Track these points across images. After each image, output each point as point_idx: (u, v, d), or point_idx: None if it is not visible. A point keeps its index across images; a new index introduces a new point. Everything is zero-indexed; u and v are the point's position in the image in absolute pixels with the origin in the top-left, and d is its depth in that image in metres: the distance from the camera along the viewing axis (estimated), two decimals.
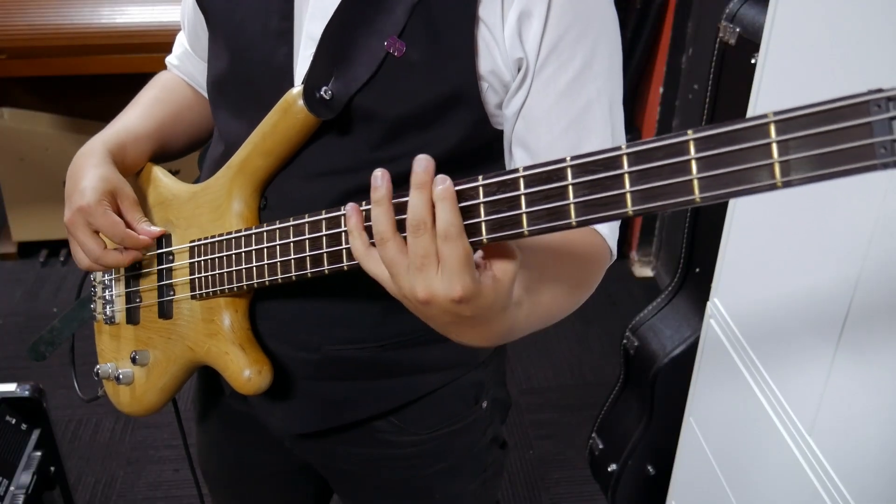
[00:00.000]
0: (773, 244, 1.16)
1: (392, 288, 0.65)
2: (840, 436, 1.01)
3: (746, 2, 1.54)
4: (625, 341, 1.89)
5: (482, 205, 0.61)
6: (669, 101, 2.85)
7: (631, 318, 1.90)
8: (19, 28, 2.61)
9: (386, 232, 0.62)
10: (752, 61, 1.39)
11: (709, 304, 1.35)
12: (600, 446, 1.98)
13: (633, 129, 3.04)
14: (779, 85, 1.13)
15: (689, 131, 0.51)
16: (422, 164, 0.61)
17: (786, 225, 1.11)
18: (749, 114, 1.21)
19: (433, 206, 0.60)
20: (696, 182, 0.51)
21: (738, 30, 1.52)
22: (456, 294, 0.60)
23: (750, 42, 1.47)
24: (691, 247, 1.82)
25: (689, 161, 0.51)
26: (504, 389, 1.06)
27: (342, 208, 0.70)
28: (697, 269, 1.80)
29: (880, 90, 0.44)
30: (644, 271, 3.10)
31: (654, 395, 1.78)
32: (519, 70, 0.78)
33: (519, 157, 0.82)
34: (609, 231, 0.82)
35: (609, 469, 1.92)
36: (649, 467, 1.86)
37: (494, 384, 1.02)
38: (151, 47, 2.61)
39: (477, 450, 1.02)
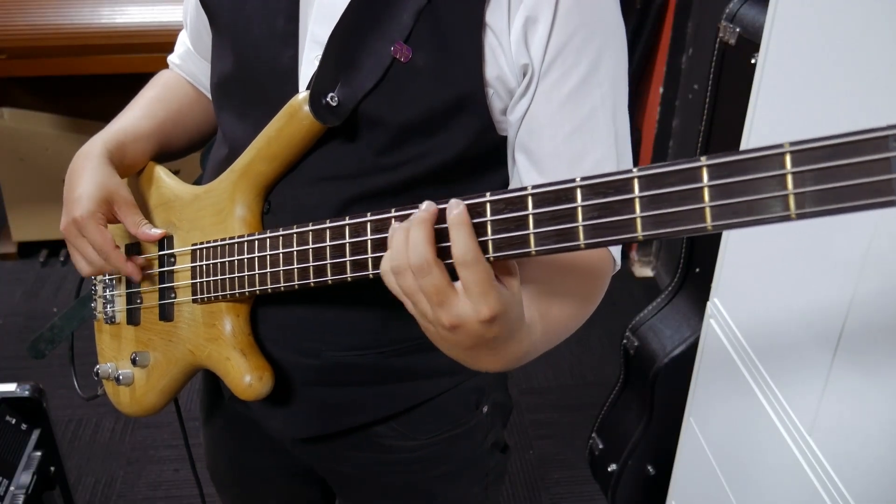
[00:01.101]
0: (773, 244, 1.16)
1: (414, 311, 0.64)
2: (840, 436, 1.01)
3: (746, 2, 1.54)
4: (625, 341, 1.88)
5: (489, 223, 0.60)
6: (669, 101, 2.85)
7: (631, 318, 1.90)
8: (19, 28, 2.61)
9: (402, 264, 0.62)
10: (752, 61, 1.39)
11: (709, 304, 1.35)
12: (600, 446, 1.98)
13: (633, 129, 3.01)
14: (779, 85, 1.13)
15: (703, 158, 0.49)
16: (425, 204, 0.62)
17: (786, 225, 1.11)
18: (749, 114, 1.21)
19: (434, 242, 0.61)
20: (708, 210, 0.49)
21: (738, 30, 1.52)
22: (484, 315, 0.60)
23: (750, 42, 1.47)
24: (691, 247, 1.82)
25: (701, 188, 0.50)
26: (505, 393, 1.05)
27: (347, 218, 0.69)
28: (697, 269, 1.80)
29: None
30: (644, 271, 3.10)
31: (654, 395, 1.78)
32: (524, 76, 0.77)
33: (521, 163, 0.82)
34: None
35: (609, 469, 1.92)
36: (649, 467, 1.86)
37: (495, 388, 1.01)
38: (151, 47, 2.60)
39: (478, 454, 1.02)
